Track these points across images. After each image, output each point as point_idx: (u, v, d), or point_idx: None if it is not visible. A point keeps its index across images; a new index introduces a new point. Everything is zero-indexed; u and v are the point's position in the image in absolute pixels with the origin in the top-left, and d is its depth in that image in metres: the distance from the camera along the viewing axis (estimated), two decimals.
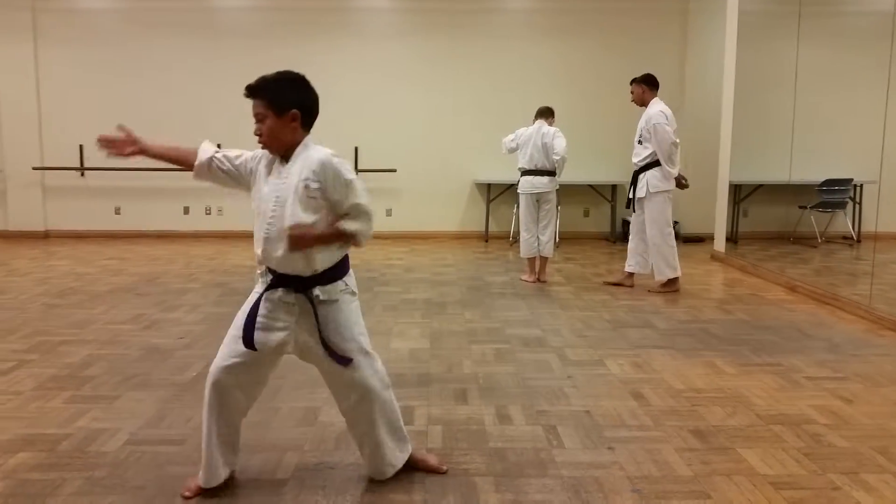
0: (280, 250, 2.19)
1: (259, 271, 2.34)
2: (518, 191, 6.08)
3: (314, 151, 2.26)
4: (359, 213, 2.22)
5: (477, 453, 2.66)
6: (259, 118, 2.25)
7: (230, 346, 2.29)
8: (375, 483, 2.42)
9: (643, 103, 5.68)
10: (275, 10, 8.66)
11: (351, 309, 2.34)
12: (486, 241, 8.71)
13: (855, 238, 7.94)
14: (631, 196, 5.77)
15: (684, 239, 8.74)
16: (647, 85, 5.69)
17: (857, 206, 8.01)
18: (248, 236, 9.03)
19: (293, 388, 3.35)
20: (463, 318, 4.80)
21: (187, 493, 2.33)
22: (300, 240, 2.15)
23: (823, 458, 2.63)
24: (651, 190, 5.58)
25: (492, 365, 3.76)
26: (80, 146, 8.67)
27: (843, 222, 8.13)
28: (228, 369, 2.28)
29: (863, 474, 2.50)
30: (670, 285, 5.70)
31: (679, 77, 8.86)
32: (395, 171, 8.77)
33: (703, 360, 3.85)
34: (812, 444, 2.77)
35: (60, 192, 8.81)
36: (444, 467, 2.51)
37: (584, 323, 4.64)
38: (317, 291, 2.25)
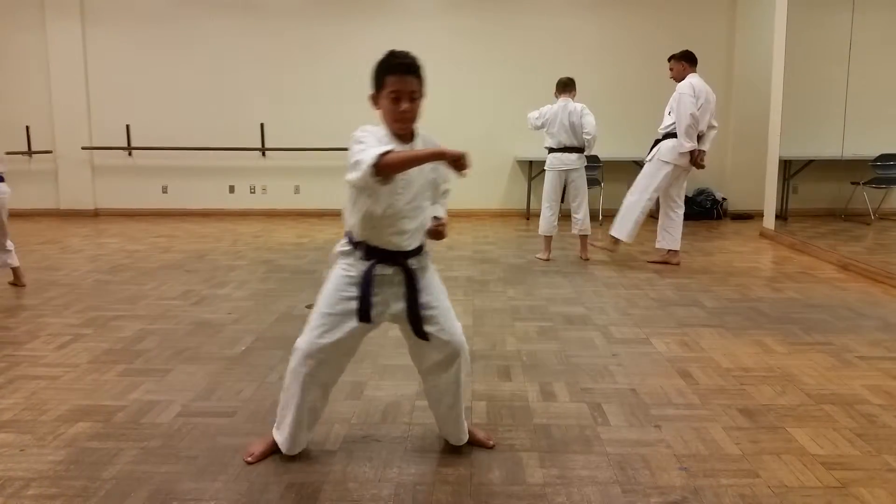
0: (407, 233, 2.26)
1: (344, 249, 2.36)
2: (546, 168, 6.02)
3: (426, 133, 2.35)
4: (448, 196, 2.45)
5: (521, 429, 2.67)
6: (413, 96, 2.25)
7: (323, 322, 2.31)
8: (421, 455, 2.45)
9: (682, 79, 5.64)
10: None
11: (436, 275, 2.44)
12: (528, 218, 8.66)
13: None
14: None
15: (732, 216, 8.57)
16: (686, 61, 5.68)
17: None
18: (292, 214, 9.13)
19: None
20: (505, 295, 4.79)
21: (249, 459, 2.41)
22: (442, 234, 2.33)
23: (877, 439, 2.57)
24: (659, 157, 5.64)
25: (535, 342, 3.75)
26: (127, 126, 8.85)
27: None
28: (323, 345, 2.30)
29: None
30: (614, 246, 5.89)
31: (728, 49, 8.63)
32: None
33: (751, 338, 3.78)
34: (865, 424, 2.71)
35: (109, 171, 9.01)
36: (491, 442, 2.53)
37: (629, 301, 4.59)
38: (411, 262, 2.31)
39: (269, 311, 4.37)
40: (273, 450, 2.45)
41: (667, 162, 5.58)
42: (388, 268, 2.30)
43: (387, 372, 3.28)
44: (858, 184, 7.80)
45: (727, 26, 8.65)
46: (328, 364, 2.35)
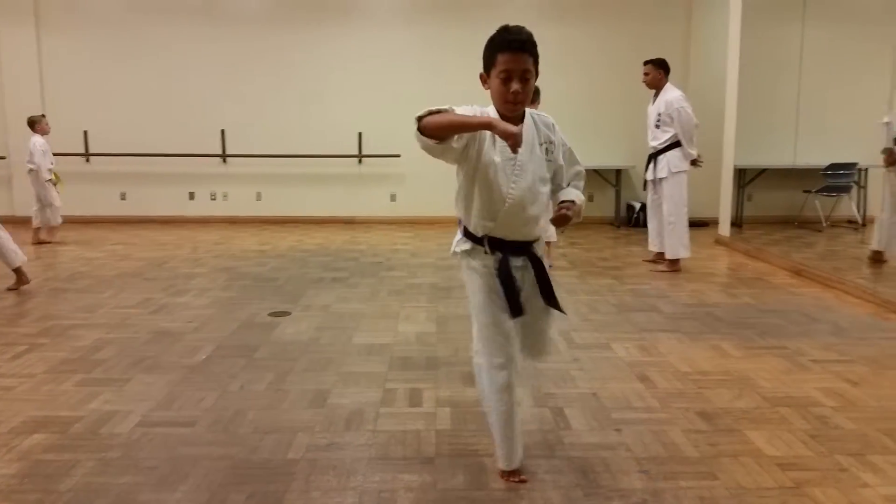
0: (529, 222, 2.21)
1: (464, 248, 2.31)
2: None
3: (534, 114, 2.27)
4: (582, 177, 2.33)
5: (485, 434, 2.68)
6: (526, 76, 2.11)
7: (492, 332, 2.26)
8: (385, 463, 2.45)
9: (657, 87, 5.77)
10: None
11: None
12: None
13: (860, 222, 7.94)
14: (651, 178, 5.91)
15: (689, 223, 8.72)
16: (663, 70, 5.80)
17: (862, 189, 8.01)
18: (254, 221, 9.03)
19: (303, 370, 3.39)
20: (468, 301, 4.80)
21: (525, 477, 2.32)
22: (567, 218, 2.19)
23: (830, 440, 2.65)
24: (672, 170, 5.75)
25: None
26: (85, 132, 8.69)
27: (847, 206, 8.12)
28: (500, 349, 2.27)
29: (869, 456, 2.52)
30: (673, 265, 5.80)
31: (683, 60, 8.80)
32: (398, 156, 8.77)
33: (708, 343, 3.86)
34: (819, 426, 2.79)
35: (65, 177, 8.77)
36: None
37: (590, 307, 4.66)
38: (535, 250, 2.30)
39: (230, 319, 4.32)
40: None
41: (683, 171, 5.76)
42: (519, 258, 2.26)
43: (350, 379, 3.27)
44: (810, 192, 8.02)
45: (683, 38, 8.84)
46: (511, 361, 2.30)
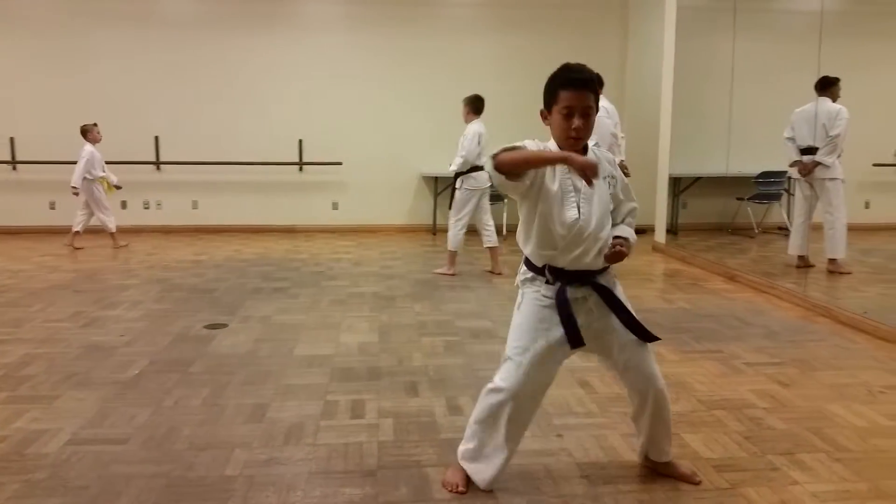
0: (592, 253, 2.19)
1: (526, 277, 2.29)
2: (470, 188, 5.98)
3: (595, 149, 2.27)
4: (635, 215, 2.34)
5: (428, 445, 2.67)
6: (587, 112, 2.14)
7: (526, 359, 2.21)
8: (326, 477, 2.41)
9: None
10: (217, 1, 8.46)
11: (622, 290, 2.35)
12: (434, 234, 8.72)
13: (790, 228, 8.23)
14: None
15: None
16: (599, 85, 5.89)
17: (792, 197, 8.30)
18: (189, 231, 8.78)
19: (241, 384, 3.31)
20: (412, 311, 4.80)
21: (462, 489, 2.30)
22: (623, 255, 2.18)
23: (763, 441, 2.73)
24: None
25: (442, 357, 3.77)
26: (11, 139, 8.35)
27: (778, 213, 8.42)
28: (528, 380, 2.22)
29: (799, 454, 2.60)
30: None
31: (620, 70, 9.01)
32: (340, 164, 8.71)
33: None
34: (752, 427, 2.87)
35: None
36: (698, 478, 2.41)
37: None
38: (601, 280, 2.25)
39: (163, 332, 4.20)
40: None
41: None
42: (580, 289, 2.22)
43: (290, 392, 3.21)
44: (743, 199, 8.29)
45: (619, 50, 9.05)
46: (535, 397, 2.29)
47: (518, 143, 2.11)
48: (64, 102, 8.35)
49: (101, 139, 7.38)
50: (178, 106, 8.45)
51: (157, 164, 8.58)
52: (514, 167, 2.05)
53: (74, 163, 8.31)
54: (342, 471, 2.46)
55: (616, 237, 2.22)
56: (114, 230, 7.45)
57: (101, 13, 8.32)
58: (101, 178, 7.35)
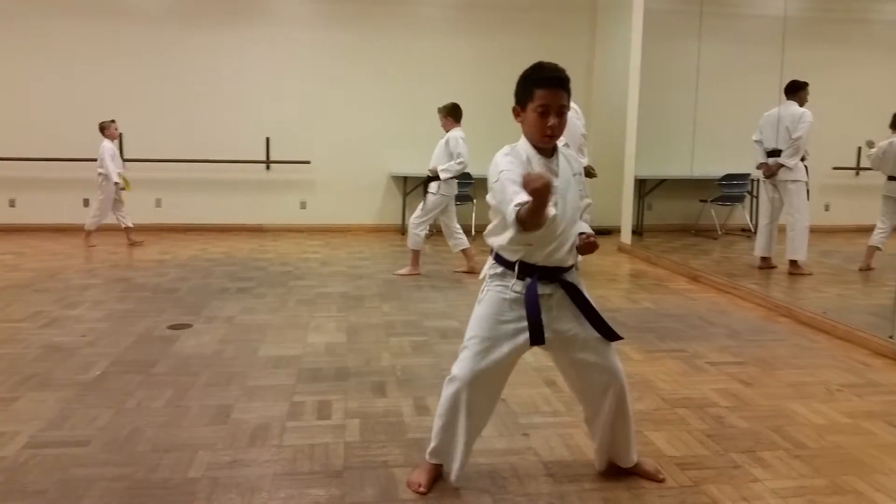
0: (565, 248, 2.19)
1: (495, 271, 2.28)
2: (445, 193, 5.98)
3: (567, 150, 2.29)
4: (589, 211, 2.39)
5: (395, 445, 2.67)
6: (562, 111, 2.16)
7: (483, 348, 2.23)
8: (292, 478, 2.39)
9: None
10: None
11: (586, 291, 2.34)
12: (403, 233, 8.69)
13: (752, 230, 8.37)
14: None
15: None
16: None
17: (755, 199, 8.46)
18: (153, 230, 8.66)
19: (205, 385, 3.27)
20: (380, 311, 4.79)
21: (423, 490, 2.30)
22: (595, 246, 2.20)
23: (725, 439, 2.77)
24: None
25: (410, 357, 3.77)
26: None
27: (741, 215, 8.57)
28: (483, 370, 2.23)
29: (760, 452, 2.65)
30: None
31: (588, 72, 9.09)
32: (308, 162, 8.66)
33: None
34: (715, 425, 2.91)
35: None
36: (662, 476, 2.44)
37: None
38: (567, 277, 2.25)
39: (126, 332, 4.13)
40: (437, 475, 2.36)
41: None
42: (548, 286, 2.22)
43: (256, 393, 3.18)
44: (706, 201, 8.42)
45: (587, 51, 9.13)
46: (489, 388, 2.29)
47: (515, 195, 2.03)
48: (22, 96, 8.18)
49: (118, 135, 7.43)
50: (143, 102, 8.32)
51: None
52: (539, 217, 1.97)
53: (35, 160, 8.18)
54: (308, 472, 2.44)
55: (581, 233, 2.25)
56: (94, 230, 7.42)
57: (64, 5, 8.16)
58: (119, 174, 7.38)
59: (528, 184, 1.90)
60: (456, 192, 6.08)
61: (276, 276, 5.94)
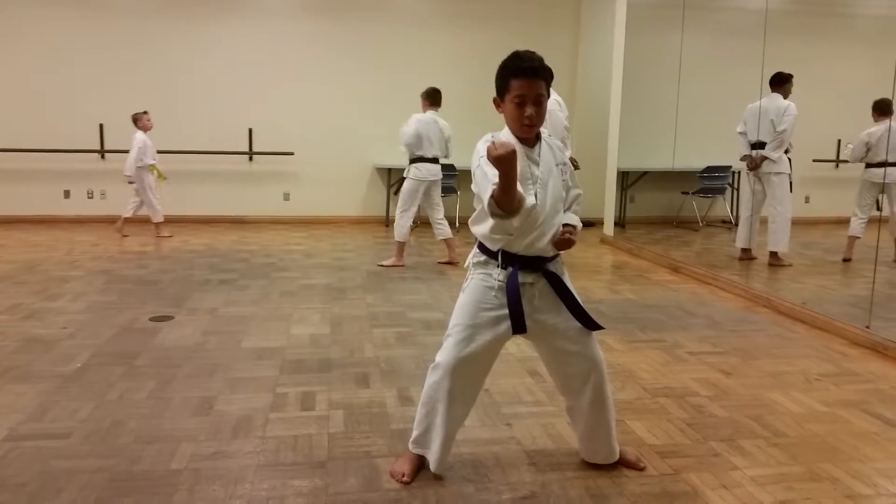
0: (546, 238, 2.19)
1: (478, 259, 2.28)
2: (414, 178, 6.01)
3: (546, 137, 2.26)
4: (580, 202, 2.36)
5: (378, 435, 2.68)
6: (539, 100, 2.15)
7: (466, 335, 2.24)
8: (275, 469, 2.39)
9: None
10: None
11: (570, 279, 2.35)
12: (387, 225, 8.69)
13: (733, 222, 8.45)
14: None
15: None
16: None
17: (735, 191, 8.54)
18: (134, 221, 8.55)
19: (187, 377, 3.26)
20: (364, 302, 4.78)
21: (406, 479, 2.31)
22: (571, 242, 2.20)
23: (705, 428, 2.81)
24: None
25: (393, 348, 3.77)
26: None
27: (722, 207, 8.64)
28: (466, 357, 2.23)
29: (739, 441, 2.69)
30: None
31: (572, 65, 9.11)
32: (292, 153, 8.61)
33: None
34: (695, 414, 2.95)
35: None
36: (643, 464, 2.46)
37: None
38: (550, 267, 2.25)
39: (108, 324, 4.10)
40: (420, 465, 2.36)
41: None
42: (530, 275, 2.23)
43: (239, 385, 3.17)
44: (688, 193, 8.48)
45: (572, 44, 9.14)
46: (472, 376, 2.29)
47: (486, 168, 2.05)
48: (1, 88, 8.05)
49: (152, 127, 7.37)
50: (124, 93, 8.22)
51: (102, 152, 8.35)
52: (510, 197, 1.98)
53: (14, 150, 8.08)
54: (291, 463, 2.44)
55: (565, 225, 2.26)
56: (160, 220, 7.46)
57: None
58: (152, 165, 7.36)
59: (490, 152, 1.90)
60: (429, 177, 6.00)
61: (259, 267, 5.91)
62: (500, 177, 1.95)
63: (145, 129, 7.33)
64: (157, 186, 7.44)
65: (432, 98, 6.03)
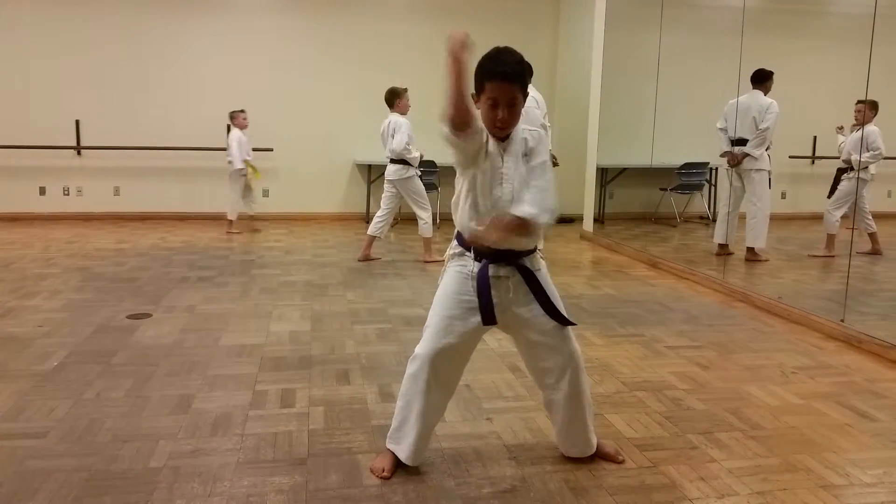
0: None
1: (455, 251, 2.31)
2: (386, 177, 6.08)
3: (522, 128, 2.27)
4: (539, 193, 2.28)
5: (359, 432, 2.68)
6: (512, 102, 2.16)
7: (444, 326, 2.25)
8: (255, 466, 2.38)
9: None
10: None
11: (548, 275, 2.35)
12: (368, 222, 8.63)
13: (710, 218, 8.53)
14: None
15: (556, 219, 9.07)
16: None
17: (713, 188, 8.62)
18: (111, 218, 8.50)
19: (165, 375, 3.23)
20: (345, 299, 4.77)
21: (386, 474, 2.31)
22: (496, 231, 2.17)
23: (683, 421, 2.84)
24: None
25: (374, 345, 3.77)
26: None
27: (699, 203, 8.72)
28: (444, 348, 2.24)
29: (716, 433, 2.72)
30: None
31: (551, 61, 9.14)
32: (271, 150, 8.55)
33: (573, 332, 4.02)
34: (672, 407, 2.98)
35: None
36: (620, 457, 2.48)
37: None
38: (525, 262, 2.26)
39: (84, 322, 4.06)
40: (397, 461, 2.35)
41: None
42: (503, 268, 2.23)
43: (218, 382, 3.15)
44: (666, 190, 8.55)
45: (551, 40, 9.17)
46: (450, 367, 2.30)
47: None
48: None
49: (247, 125, 7.49)
50: (100, 88, 8.13)
51: (78, 148, 8.24)
52: (456, 104, 2.02)
53: None
54: (271, 460, 2.44)
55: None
56: (234, 218, 7.57)
57: None
58: (247, 161, 7.47)
59: (447, 41, 1.97)
60: (392, 176, 6.00)
61: (238, 264, 5.88)
62: (449, 78, 2.00)
63: (241, 126, 7.47)
64: (252, 182, 7.63)
65: (385, 98, 6.03)
